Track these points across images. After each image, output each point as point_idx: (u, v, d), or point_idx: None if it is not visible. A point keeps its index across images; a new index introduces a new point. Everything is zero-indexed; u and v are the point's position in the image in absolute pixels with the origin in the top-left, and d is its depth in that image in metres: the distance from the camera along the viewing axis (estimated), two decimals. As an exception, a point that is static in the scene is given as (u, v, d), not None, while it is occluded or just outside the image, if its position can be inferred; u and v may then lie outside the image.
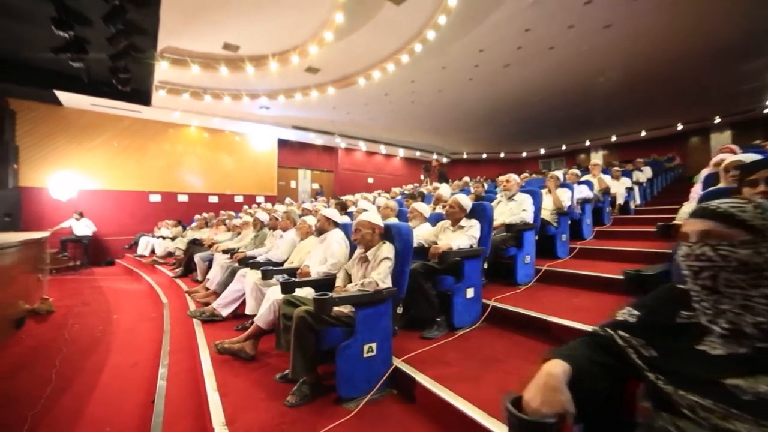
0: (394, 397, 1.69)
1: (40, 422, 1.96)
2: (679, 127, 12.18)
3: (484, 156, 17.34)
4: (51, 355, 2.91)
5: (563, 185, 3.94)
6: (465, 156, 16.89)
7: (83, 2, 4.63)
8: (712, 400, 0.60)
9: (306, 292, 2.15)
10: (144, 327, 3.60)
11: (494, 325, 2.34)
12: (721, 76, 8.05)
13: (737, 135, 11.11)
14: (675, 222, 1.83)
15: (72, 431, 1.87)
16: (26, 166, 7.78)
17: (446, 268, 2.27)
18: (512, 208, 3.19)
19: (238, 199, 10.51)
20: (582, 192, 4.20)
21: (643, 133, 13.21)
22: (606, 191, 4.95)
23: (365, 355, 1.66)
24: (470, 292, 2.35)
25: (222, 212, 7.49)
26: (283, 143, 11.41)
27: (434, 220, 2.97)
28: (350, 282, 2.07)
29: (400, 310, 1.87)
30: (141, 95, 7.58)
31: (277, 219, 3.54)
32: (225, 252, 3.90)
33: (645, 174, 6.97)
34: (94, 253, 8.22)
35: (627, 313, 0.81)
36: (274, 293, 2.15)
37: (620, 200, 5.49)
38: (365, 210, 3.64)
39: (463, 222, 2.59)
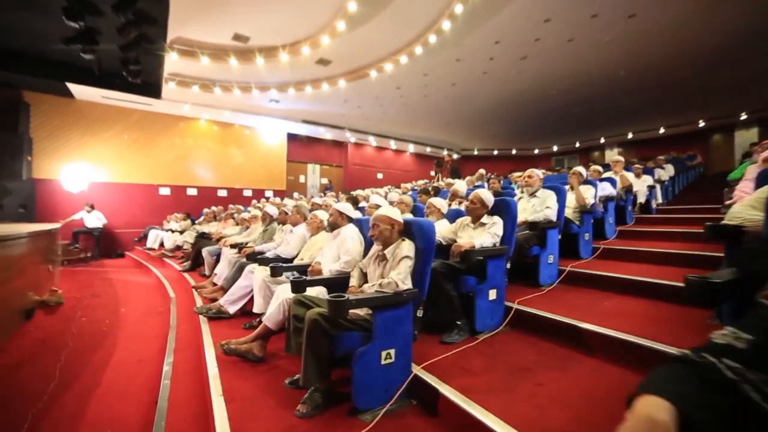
0: (413, 408, 1.55)
1: (41, 421, 1.88)
2: (701, 123, 11.72)
3: (496, 152, 17.01)
4: (57, 349, 2.85)
5: (586, 182, 3.73)
6: (476, 152, 16.60)
7: (93, -9, 4.56)
8: None
9: (317, 291, 2.02)
10: (151, 321, 3.53)
11: (518, 330, 2.18)
12: (752, 69, 7.64)
13: (765, 132, 10.61)
14: (727, 222, 1.64)
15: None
16: (40, 158, 7.84)
17: (468, 268, 2.11)
18: (535, 205, 3.01)
19: (247, 193, 10.47)
20: (605, 189, 3.98)
21: (662, 130, 12.75)
22: (629, 189, 4.72)
23: (383, 362, 1.52)
24: (493, 294, 2.19)
25: (231, 206, 7.44)
26: (292, 137, 11.32)
27: (452, 216, 2.80)
28: (366, 281, 1.93)
29: (420, 313, 1.72)
30: (151, 87, 7.54)
31: (286, 213, 3.42)
32: (233, 246, 3.80)
33: (667, 172, 6.68)
34: (105, 245, 8.27)
35: (731, 335, 0.61)
36: (284, 292, 2.03)
37: (641, 199, 5.25)
38: (378, 205, 3.50)
39: (485, 219, 2.42)
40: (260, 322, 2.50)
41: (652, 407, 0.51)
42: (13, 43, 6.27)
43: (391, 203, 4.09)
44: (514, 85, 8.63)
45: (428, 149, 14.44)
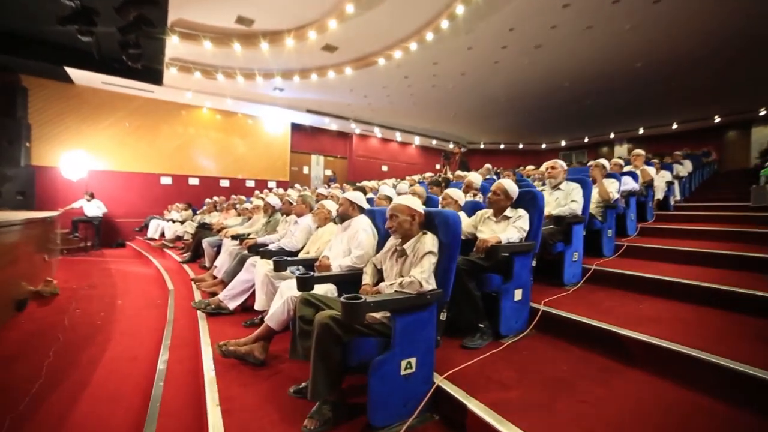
0: (436, 425, 1.36)
1: (20, 426, 1.71)
2: (717, 119, 11.36)
3: (502, 146, 16.71)
4: (47, 344, 2.69)
5: (610, 175, 3.50)
6: (482, 146, 16.30)
7: (89, -34, 4.32)
8: None
9: (326, 289, 1.82)
10: (148, 315, 3.36)
11: (546, 334, 1.98)
12: (776, 62, 7.31)
13: (784, 129, 10.27)
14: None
15: (54, 440, 1.61)
16: (38, 145, 7.66)
17: (492, 265, 1.91)
18: (558, 199, 2.79)
19: (250, 183, 10.28)
20: (627, 184, 3.75)
21: (675, 126, 12.40)
22: (650, 184, 4.47)
23: (403, 373, 1.33)
24: (519, 294, 1.99)
25: (233, 197, 7.25)
26: (296, 128, 11.08)
27: (469, 209, 2.59)
28: (380, 279, 1.74)
29: (443, 316, 1.53)
30: (152, 73, 7.28)
31: (290, 203, 3.21)
32: (234, 238, 3.62)
33: (686, 168, 6.42)
34: (105, 234, 8.13)
35: None
36: (289, 289, 1.83)
37: (659, 195, 5.02)
38: (388, 196, 3.29)
39: (509, 212, 2.21)
40: (262, 320, 2.32)
41: None
42: (9, 23, 6.05)
43: (401, 195, 3.89)
44: (525, 75, 8.33)
45: (434, 142, 14.16)
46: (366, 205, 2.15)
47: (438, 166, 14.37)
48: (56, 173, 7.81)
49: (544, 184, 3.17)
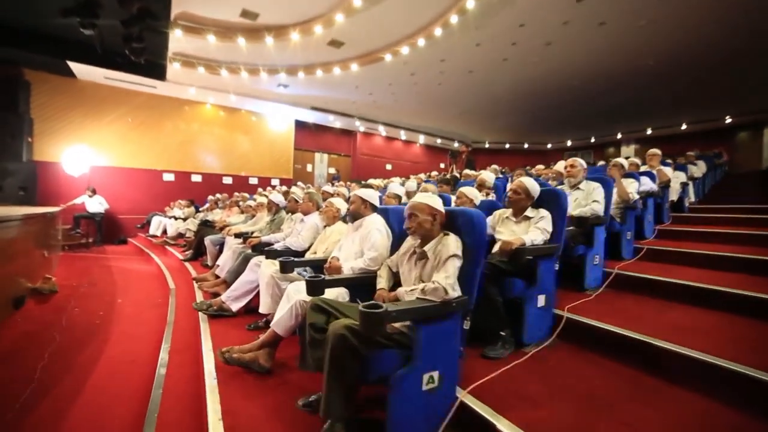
0: (461, 446, 1.24)
1: (8, 435, 1.60)
2: (728, 120, 11.15)
3: (507, 146, 16.53)
4: (42, 345, 2.58)
5: (628, 175, 3.36)
6: (487, 145, 16.12)
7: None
8: None
9: (337, 293, 1.70)
10: (148, 315, 3.24)
11: (571, 343, 1.85)
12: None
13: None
14: None
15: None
16: (41, 140, 7.58)
17: (516, 269, 1.78)
18: (578, 199, 2.66)
19: (253, 181, 10.17)
20: (646, 184, 3.60)
21: (684, 126, 12.18)
22: (667, 185, 4.32)
23: (425, 388, 1.20)
24: (542, 300, 1.86)
25: (236, 194, 7.15)
26: (300, 125, 10.95)
27: (485, 208, 2.46)
28: (395, 283, 1.61)
29: (467, 325, 1.40)
30: (155, 68, 7.20)
31: (296, 201, 3.09)
32: (237, 236, 3.50)
33: (700, 169, 6.25)
34: (107, 230, 8.04)
35: None
36: (296, 292, 1.71)
37: (674, 196, 4.86)
38: (397, 195, 3.16)
39: (530, 212, 2.08)
40: (267, 323, 2.20)
41: None
42: (11, 16, 5.97)
43: (409, 193, 3.77)
44: (534, 73, 8.16)
45: (438, 141, 14.01)
46: (378, 203, 2.02)
47: (442, 165, 14.23)
48: (58, 168, 7.73)
49: (561, 183, 3.03)
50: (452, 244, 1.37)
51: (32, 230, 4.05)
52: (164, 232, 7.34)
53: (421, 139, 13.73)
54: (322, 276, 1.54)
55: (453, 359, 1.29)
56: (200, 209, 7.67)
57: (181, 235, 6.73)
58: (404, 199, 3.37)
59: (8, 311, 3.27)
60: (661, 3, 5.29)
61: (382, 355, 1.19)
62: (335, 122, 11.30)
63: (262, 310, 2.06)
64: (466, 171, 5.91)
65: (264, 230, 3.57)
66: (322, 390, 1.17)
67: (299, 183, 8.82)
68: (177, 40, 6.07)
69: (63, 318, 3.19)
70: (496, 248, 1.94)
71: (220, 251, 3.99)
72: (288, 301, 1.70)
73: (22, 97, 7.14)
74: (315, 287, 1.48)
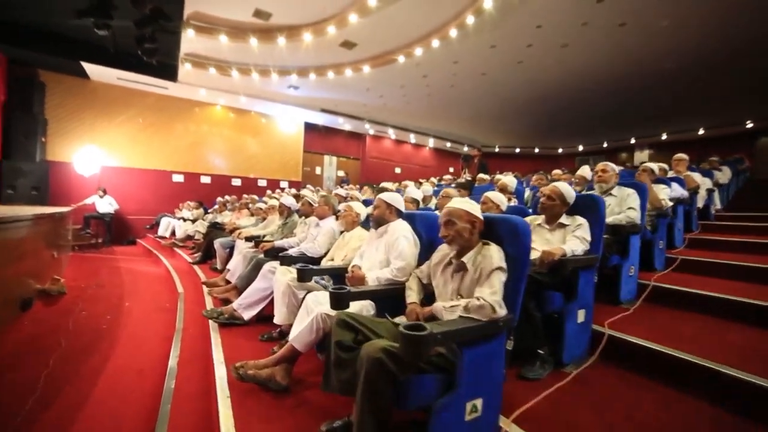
0: (509, 487, 1.09)
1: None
2: (749, 124, 10.82)
3: (517, 150, 16.31)
4: (47, 351, 2.48)
5: (659, 180, 3.19)
6: (497, 149, 15.91)
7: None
8: None
9: (360, 306, 1.57)
10: (156, 320, 3.15)
11: (614, 364, 1.69)
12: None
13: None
14: None
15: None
16: (54, 140, 7.61)
17: (554, 282, 1.63)
18: (611, 206, 2.49)
19: (262, 183, 10.12)
20: (676, 190, 3.42)
21: (701, 131, 11.86)
22: (696, 191, 4.12)
23: (468, 418, 1.06)
24: (582, 315, 1.71)
25: (245, 196, 7.08)
26: (309, 127, 10.90)
27: (513, 214, 2.31)
28: (425, 295, 1.47)
29: (510, 345, 1.26)
30: (167, 69, 7.20)
31: (310, 204, 2.97)
32: (248, 239, 3.39)
33: (725, 175, 6.01)
34: (117, 231, 8.03)
35: None
36: (317, 303, 1.59)
37: (699, 203, 4.64)
38: (415, 199, 3.03)
39: (565, 219, 1.93)
40: (281, 333, 2.08)
41: None
42: (28, 17, 6.00)
43: (426, 198, 3.63)
44: (549, 76, 8.00)
45: (448, 144, 13.87)
46: (404, 208, 1.88)
47: (452, 169, 14.07)
48: (70, 169, 7.75)
49: (591, 189, 2.87)
50: (495, 255, 1.23)
51: (42, 231, 3.99)
52: (173, 233, 7.29)
53: (431, 142, 13.61)
54: (347, 287, 1.41)
55: (497, 385, 1.15)
56: (209, 211, 7.61)
57: (189, 237, 6.67)
58: (420, 204, 3.24)
59: (16, 313, 3.20)
60: (686, 2, 5.11)
61: (420, 381, 1.05)
62: (345, 125, 11.23)
63: (277, 320, 1.93)
64: (481, 175, 5.75)
65: (276, 234, 3.46)
66: (354, 417, 1.03)
67: (308, 186, 8.74)
68: (189, 40, 6.04)
69: (70, 321, 3.11)
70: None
71: (230, 255, 3.89)
72: (307, 313, 1.57)
73: (36, 98, 7.18)
74: (339, 300, 1.34)
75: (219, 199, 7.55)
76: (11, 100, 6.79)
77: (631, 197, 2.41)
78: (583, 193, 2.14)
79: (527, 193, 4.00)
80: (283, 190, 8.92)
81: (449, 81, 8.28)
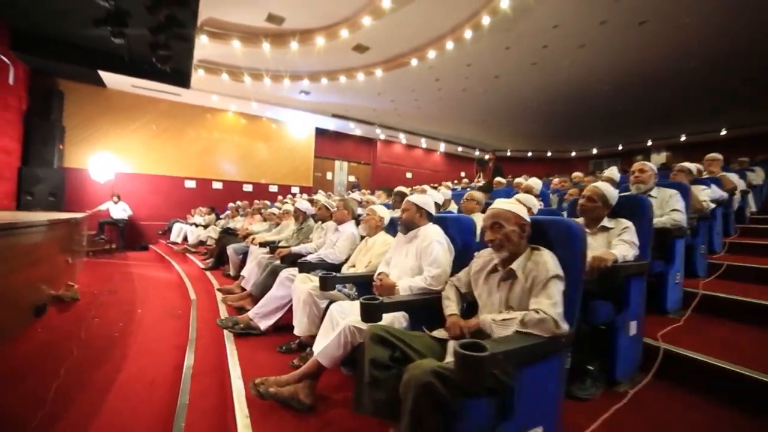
0: None
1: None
2: (775, 124, 10.40)
3: (530, 154, 16.07)
4: (59, 360, 2.40)
5: (697, 181, 3.00)
6: (509, 153, 15.70)
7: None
8: None
9: (392, 318, 1.43)
10: (168, 328, 3.06)
11: (672, 382, 1.51)
12: None
13: None
14: None
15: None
16: (70, 147, 7.72)
17: (602, 291, 1.47)
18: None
19: (273, 188, 10.11)
20: (716, 192, 3.21)
21: (723, 132, 11.46)
22: (733, 192, 3.89)
23: (527, 452, 0.91)
24: (633, 328, 1.54)
25: (256, 201, 7.04)
26: (320, 133, 10.90)
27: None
28: (460, 303, 1.33)
29: (567, 363, 1.11)
30: (180, 76, 7.25)
31: (327, 208, 2.86)
32: (263, 245, 3.29)
33: (759, 176, 5.72)
34: (130, 237, 8.06)
35: None
36: (341, 314, 1.46)
37: (734, 206, 4.39)
38: (436, 202, 2.89)
39: (607, 222, 1.77)
40: (300, 345, 1.95)
41: None
42: (49, 29, 6.12)
43: (445, 202, 3.49)
44: (564, 78, 7.83)
45: (459, 149, 13.72)
46: (434, 211, 1.75)
47: (463, 174, 13.89)
48: (85, 175, 7.84)
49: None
50: (550, 261, 1.09)
51: (56, 236, 3.98)
52: (185, 239, 7.28)
53: (442, 147, 13.49)
54: (380, 298, 1.28)
55: (556, 410, 1.00)
56: (221, 217, 7.60)
57: (201, 243, 6.63)
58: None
59: (29, 320, 3.15)
60: (712, -1, 4.92)
61: (471, 407, 0.91)
62: (355, 130, 11.19)
63: (297, 331, 1.80)
64: (498, 179, 5.59)
65: (291, 240, 3.36)
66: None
67: (320, 191, 8.69)
68: (202, 46, 6.07)
69: (82, 328, 3.04)
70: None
71: (243, 260, 3.80)
72: (332, 325, 1.44)
73: (55, 106, 7.31)
74: (371, 312, 1.21)
75: (231, 204, 7.52)
76: (32, 109, 6.92)
77: (674, 198, 2.24)
78: (626, 194, 1.98)
79: (551, 197, 3.83)
80: (294, 195, 8.89)
81: (461, 84, 8.18)
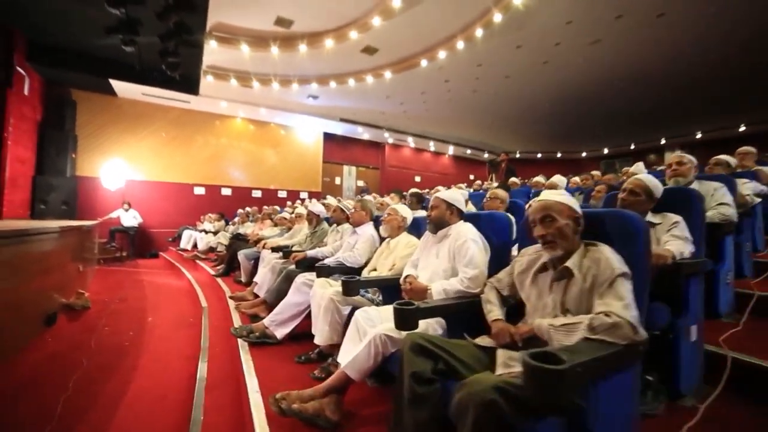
0: None
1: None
2: (797, 119, 10.03)
3: (539, 156, 15.84)
4: (68, 371, 2.30)
5: (738, 174, 2.81)
6: (518, 155, 15.48)
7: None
8: None
9: (425, 324, 1.29)
10: (179, 337, 2.96)
11: (745, 395, 1.34)
12: None
13: None
14: None
15: None
16: (83, 156, 7.78)
17: (658, 291, 1.31)
18: (693, 202, 2.15)
19: (282, 194, 10.07)
20: (756, 186, 3.00)
21: (743, 128, 11.08)
22: (769, 187, 3.66)
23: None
24: (693, 333, 1.37)
25: (265, 207, 6.98)
26: (329, 137, 10.87)
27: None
28: (503, 307, 1.19)
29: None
30: (189, 83, 7.29)
31: (343, 210, 2.75)
32: (275, 250, 3.18)
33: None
34: (140, 244, 8.06)
35: None
36: (367, 321, 1.32)
37: (764, 202, 4.14)
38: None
39: (652, 217, 1.62)
40: (320, 354, 1.82)
41: None
42: (62, 40, 6.20)
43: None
44: (576, 76, 7.65)
45: (468, 151, 13.57)
46: (465, 208, 1.61)
47: (472, 176, 13.71)
48: (97, 183, 7.89)
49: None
50: (613, 257, 0.94)
51: (68, 244, 3.93)
52: (194, 246, 7.24)
53: (450, 150, 13.36)
54: (415, 303, 1.14)
55: (632, 425, 0.85)
56: (230, 222, 7.55)
57: (212, 249, 6.57)
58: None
59: (39, 329, 3.08)
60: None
61: (541, 429, 0.76)
62: (364, 134, 11.13)
63: (318, 340, 1.67)
64: (513, 179, 5.43)
65: (304, 244, 3.24)
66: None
67: (329, 196, 8.59)
68: (211, 51, 6.07)
69: (92, 338, 2.95)
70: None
71: (255, 266, 3.70)
72: (358, 333, 1.31)
73: (68, 116, 7.39)
74: (407, 318, 1.08)
75: (240, 210, 7.48)
76: (45, 119, 7.00)
77: (720, 192, 2.07)
78: (670, 186, 1.82)
79: (575, 195, 3.66)
80: (303, 201, 8.81)
81: (471, 86, 8.06)
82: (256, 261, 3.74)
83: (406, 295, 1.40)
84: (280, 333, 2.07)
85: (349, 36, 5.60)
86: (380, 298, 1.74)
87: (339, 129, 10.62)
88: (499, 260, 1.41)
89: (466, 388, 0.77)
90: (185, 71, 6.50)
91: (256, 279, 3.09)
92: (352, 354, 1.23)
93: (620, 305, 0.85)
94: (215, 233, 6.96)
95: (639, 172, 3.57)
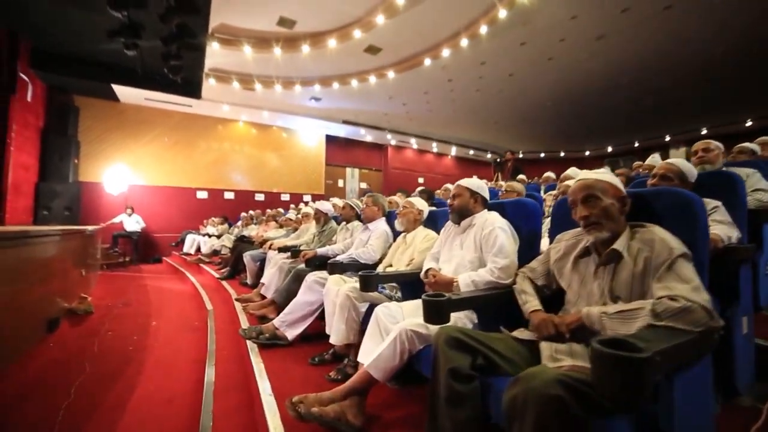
0: None
1: None
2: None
3: (542, 155, 15.73)
4: (70, 377, 2.21)
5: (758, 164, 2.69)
6: (521, 155, 15.38)
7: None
8: None
9: (454, 320, 1.19)
10: (185, 341, 2.86)
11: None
12: None
13: None
14: None
15: None
16: (86, 161, 7.76)
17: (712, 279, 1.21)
18: (723, 190, 2.04)
19: (285, 197, 10.01)
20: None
21: (749, 123, 10.94)
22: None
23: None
24: (745, 325, 1.27)
25: (268, 210, 6.91)
26: (331, 140, 10.82)
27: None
28: (538, 297, 1.09)
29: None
30: (191, 86, 7.24)
31: (352, 207, 2.66)
32: (282, 250, 3.09)
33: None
34: (143, 249, 8.00)
35: None
36: (389, 317, 1.23)
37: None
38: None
39: (689, 203, 1.51)
40: (335, 355, 1.72)
41: None
42: (65, 45, 6.19)
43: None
44: (580, 73, 7.58)
45: (471, 152, 13.49)
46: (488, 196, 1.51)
47: (475, 177, 13.62)
48: (100, 188, 7.85)
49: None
50: (669, 237, 0.84)
51: (70, 248, 3.86)
52: (198, 250, 7.16)
53: (453, 150, 13.29)
54: (446, 294, 1.04)
55: (710, 421, 0.74)
56: (233, 226, 7.48)
57: (215, 253, 6.50)
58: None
59: (41, 335, 2.99)
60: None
61: (613, 427, 0.66)
62: (366, 136, 11.08)
63: (334, 340, 1.57)
64: (521, 176, 5.34)
65: (312, 243, 3.15)
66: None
67: (332, 199, 8.51)
68: (213, 54, 6.03)
69: (95, 343, 2.87)
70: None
71: (261, 268, 3.61)
72: (380, 331, 1.21)
73: (71, 122, 7.37)
74: (438, 310, 0.98)
75: (243, 214, 7.41)
76: (48, 125, 6.98)
77: (754, 177, 1.96)
78: (713, 169, 1.72)
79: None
80: (306, 203, 8.74)
81: (475, 84, 7.99)
82: (262, 262, 3.66)
83: (429, 288, 1.30)
84: (291, 334, 1.97)
85: (353, 35, 5.56)
86: (399, 294, 1.64)
87: (341, 131, 10.57)
88: (529, 249, 1.31)
89: (522, 383, 0.67)
90: (187, 74, 6.47)
91: (263, 280, 3.00)
92: (375, 353, 1.14)
93: (688, 288, 0.75)
94: (219, 236, 6.89)
95: (655, 164, 3.47)
